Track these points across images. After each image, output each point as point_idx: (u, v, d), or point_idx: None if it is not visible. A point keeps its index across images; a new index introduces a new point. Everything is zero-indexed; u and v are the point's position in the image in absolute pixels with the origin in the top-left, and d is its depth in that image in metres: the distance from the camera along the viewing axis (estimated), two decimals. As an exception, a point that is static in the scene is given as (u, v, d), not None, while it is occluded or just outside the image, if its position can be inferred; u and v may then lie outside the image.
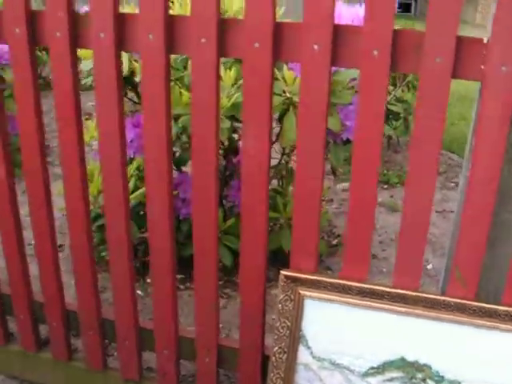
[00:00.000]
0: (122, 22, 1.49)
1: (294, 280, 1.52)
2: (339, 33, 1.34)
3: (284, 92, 2.13)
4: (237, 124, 2.30)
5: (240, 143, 2.57)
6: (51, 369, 2.06)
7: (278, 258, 2.47)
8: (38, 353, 2.07)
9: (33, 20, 1.57)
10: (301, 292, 1.52)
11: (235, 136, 2.53)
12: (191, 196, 1.59)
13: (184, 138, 2.23)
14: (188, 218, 2.49)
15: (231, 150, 2.55)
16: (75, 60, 1.57)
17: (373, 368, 1.54)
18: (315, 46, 1.34)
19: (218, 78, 1.45)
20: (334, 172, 3.48)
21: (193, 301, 1.74)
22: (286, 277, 1.53)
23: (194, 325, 1.77)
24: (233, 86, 2.15)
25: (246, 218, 1.56)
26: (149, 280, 2.62)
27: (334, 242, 3.12)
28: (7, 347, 2.11)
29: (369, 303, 1.49)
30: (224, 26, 1.41)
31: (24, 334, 2.04)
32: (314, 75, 1.36)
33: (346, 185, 3.80)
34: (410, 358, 1.50)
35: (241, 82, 2.17)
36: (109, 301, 2.31)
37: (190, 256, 1.67)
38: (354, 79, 2.31)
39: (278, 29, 1.37)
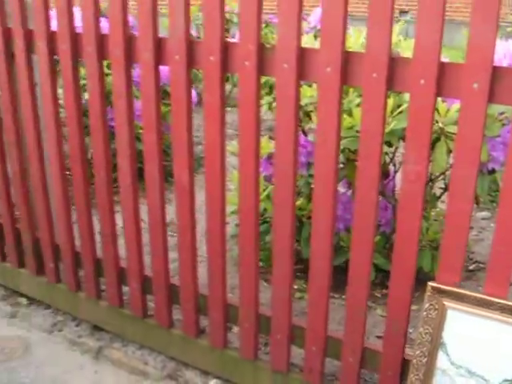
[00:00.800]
0: (302, 55, 1.75)
1: (440, 291, 1.71)
2: (497, 73, 1.53)
3: (437, 121, 2.32)
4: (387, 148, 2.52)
5: (390, 167, 2.78)
6: (207, 354, 2.35)
7: (417, 277, 2.64)
8: (196, 339, 2.37)
9: (226, 50, 1.87)
10: (445, 303, 1.71)
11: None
12: (354, 213, 1.81)
13: (341, 158, 2.47)
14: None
15: (382, 173, 2.76)
16: (259, 86, 1.85)
17: (506, 380, 1.70)
18: (475, 85, 1.53)
19: (386, 107, 1.68)
20: (476, 201, 3.60)
21: (338, 308, 1.96)
22: (433, 288, 1.72)
23: (336, 329, 1.99)
24: (391, 113, 2.37)
25: (401, 240, 1.77)
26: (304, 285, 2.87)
27: (471, 268, 3.24)
28: (170, 331, 2.42)
29: (509, 319, 1.65)
30: (393, 63, 1.63)
31: (187, 321, 2.34)
32: (473, 111, 1.56)
33: (486, 214, 3.91)
34: (545, 374, 1.64)
35: (398, 110, 2.39)
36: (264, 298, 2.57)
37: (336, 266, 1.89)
38: (502, 113, 2.47)
39: (442, 67, 1.58)
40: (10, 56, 2.44)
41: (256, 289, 2.11)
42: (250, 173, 1.93)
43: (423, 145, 1.64)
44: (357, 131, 2.39)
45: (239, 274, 2.11)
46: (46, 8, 2.24)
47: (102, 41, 2.13)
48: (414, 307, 2.06)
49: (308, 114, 2.66)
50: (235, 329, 2.43)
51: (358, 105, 2.42)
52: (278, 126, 1.83)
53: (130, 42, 2.06)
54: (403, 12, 12.15)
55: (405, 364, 1.91)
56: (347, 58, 1.69)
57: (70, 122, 2.31)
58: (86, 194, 2.41)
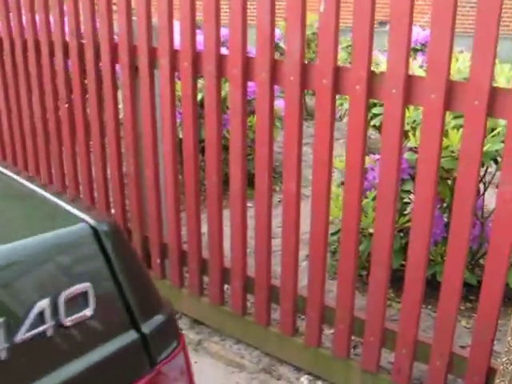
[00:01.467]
0: (410, 82, 1.94)
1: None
2: None
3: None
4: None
5: (480, 185, 2.93)
6: (301, 352, 2.57)
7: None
8: (292, 337, 2.58)
9: (338, 73, 2.08)
10: (533, 315, 1.87)
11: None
12: (451, 228, 1.99)
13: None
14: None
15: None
16: (367, 108, 2.05)
17: None
18: None
19: (485, 132, 1.85)
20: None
21: (423, 317, 2.13)
22: (522, 300, 1.89)
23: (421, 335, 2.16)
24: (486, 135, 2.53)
25: (492, 257, 1.94)
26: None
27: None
28: (267, 329, 2.64)
29: None
30: (494, 92, 1.81)
31: (284, 320, 2.56)
32: None
33: None
34: None
35: (492, 133, 2.56)
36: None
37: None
38: None
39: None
40: (133, 70, 2.72)
41: (353, 293, 2.31)
42: (355, 187, 2.13)
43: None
44: (452, 151, 2.56)
45: (338, 279, 2.31)
46: (171, 29, 2.50)
47: (221, 61, 2.37)
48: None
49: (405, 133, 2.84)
50: (326, 330, 2.63)
51: (453, 127, 2.58)
52: (384, 144, 2.02)
53: (247, 62, 2.29)
54: (382, 23, 11.92)
55: (490, 372, 2.07)
56: (451, 86, 1.87)
57: (186, 131, 2.57)
58: (196, 196, 2.66)
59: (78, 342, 0.80)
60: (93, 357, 0.80)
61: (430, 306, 2.97)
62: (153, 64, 2.64)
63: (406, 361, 2.25)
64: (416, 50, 4.71)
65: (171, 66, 2.54)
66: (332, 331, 2.59)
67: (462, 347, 2.64)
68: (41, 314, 0.75)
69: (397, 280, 2.70)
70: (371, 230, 2.86)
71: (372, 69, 2.02)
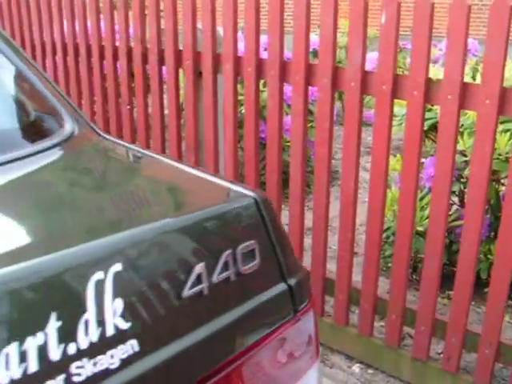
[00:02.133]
0: (465, 88, 2.12)
1: None
2: None
3: None
4: None
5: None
6: (354, 341, 2.75)
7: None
8: (345, 327, 2.77)
9: (396, 80, 2.26)
10: None
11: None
12: (500, 227, 2.17)
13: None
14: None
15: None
16: (424, 114, 2.24)
17: None
18: None
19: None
20: None
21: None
22: None
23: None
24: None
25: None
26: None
27: None
28: (321, 319, 2.83)
29: None
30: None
31: (338, 310, 2.75)
32: None
33: None
34: None
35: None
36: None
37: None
38: None
39: None
40: (197, 75, 2.93)
41: (405, 286, 2.49)
42: (410, 187, 2.32)
43: None
44: (499, 154, 2.74)
45: (392, 273, 2.50)
46: (235, 37, 2.71)
47: (284, 66, 2.57)
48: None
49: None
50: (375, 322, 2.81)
51: (501, 131, 2.76)
52: (439, 146, 2.21)
53: (309, 69, 2.49)
54: None
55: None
56: (504, 92, 2.05)
57: (247, 132, 2.77)
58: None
59: (249, 287, 1.01)
60: (256, 301, 1.01)
61: (473, 302, 3.14)
62: (216, 69, 2.84)
63: (456, 349, 2.42)
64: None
65: (235, 71, 2.75)
66: (381, 323, 2.78)
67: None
68: (226, 263, 0.96)
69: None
70: (420, 228, 3.04)
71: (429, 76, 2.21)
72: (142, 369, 0.85)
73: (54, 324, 0.77)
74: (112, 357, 0.83)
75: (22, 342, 0.74)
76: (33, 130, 1.29)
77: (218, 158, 3.00)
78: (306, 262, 2.84)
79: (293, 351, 1.09)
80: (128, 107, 3.35)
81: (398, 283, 2.49)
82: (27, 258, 0.81)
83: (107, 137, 1.39)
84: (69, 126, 1.27)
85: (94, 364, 0.81)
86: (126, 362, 0.84)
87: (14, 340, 0.73)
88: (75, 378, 0.78)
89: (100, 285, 0.82)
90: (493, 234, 3.14)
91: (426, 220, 3.01)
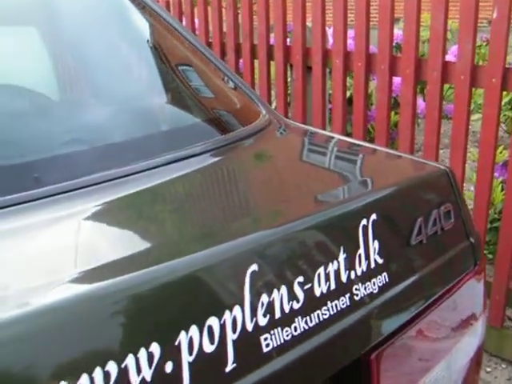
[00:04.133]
0: None
1: None
2: None
3: None
4: None
5: None
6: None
7: None
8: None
9: (507, 73, 2.46)
10: None
11: None
12: None
13: None
14: None
15: None
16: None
17: None
18: None
19: None
20: None
21: None
22: None
23: None
24: None
25: None
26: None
27: None
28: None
29: None
30: None
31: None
32: None
33: None
34: None
35: None
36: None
37: None
38: None
39: None
40: (306, 69, 3.18)
41: (509, 269, 2.68)
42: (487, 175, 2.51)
43: None
44: None
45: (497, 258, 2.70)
46: (345, 33, 2.94)
47: (394, 61, 2.79)
48: None
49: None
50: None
51: None
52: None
53: (419, 63, 2.70)
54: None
55: None
56: None
57: (356, 123, 3.00)
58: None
59: (448, 241, 1.29)
60: (452, 252, 1.29)
61: None
62: (325, 64, 3.08)
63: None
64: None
65: (344, 65, 2.98)
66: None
67: None
68: (435, 219, 1.23)
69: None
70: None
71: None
72: (389, 295, 1.13)
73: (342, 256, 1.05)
74: (374, 284, 1.10)
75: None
76: (237, 118, 1.54)
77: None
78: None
79: (470, 300, 1.36)
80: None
81: (503, 266, 2.68)
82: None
83: (294, 122, 1.67)
84: (265, 114, 1.52)
85: (365, 288, 1.08)
86: (381, 289, 1.12)
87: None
88: (355, 297, 1.06)
89: (364, 230, 1.10)
90: None
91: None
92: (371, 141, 3.31)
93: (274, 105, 3.46)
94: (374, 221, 1.11)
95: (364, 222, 1.10)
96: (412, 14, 2.65)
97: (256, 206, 1.19)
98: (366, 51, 2.88)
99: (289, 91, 3.50)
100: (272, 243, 0.97)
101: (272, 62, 3.37)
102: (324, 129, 3.18)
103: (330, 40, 3.14)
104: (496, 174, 3.32)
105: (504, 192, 2.79)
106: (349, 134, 3.34)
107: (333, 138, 1.65)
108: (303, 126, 1.77)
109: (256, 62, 3.46)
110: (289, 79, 3.44)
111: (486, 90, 2.52)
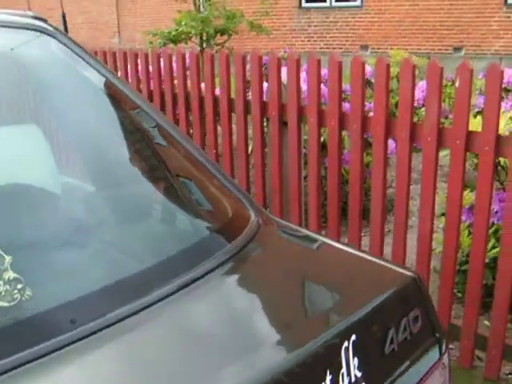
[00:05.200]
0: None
1: None
2: None
3: None
4: None
5: None
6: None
7: None
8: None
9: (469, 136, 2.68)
10: None
11: None
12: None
13: None
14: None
15: None
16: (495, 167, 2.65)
17: None
18: None
19: None
20: None
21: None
22: None
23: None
24: None
25: None
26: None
27: None
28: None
29: None
30: None
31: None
32: None
33: None
34: None
35: None
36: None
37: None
38: None
39: None
40: (282, 123, 3.38)
41: (478, 313, 2.89)
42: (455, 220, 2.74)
43: None
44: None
45: (466, 302, 2.90)
46: (319, 90, 3.15)
47: (366, 121, 3.01)
48: None
49: None
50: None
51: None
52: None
53: (414, 126, 2.89)
54: (457, 48, 12.31)
55: None
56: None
57: (331, 173, 3.21)
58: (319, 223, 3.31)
59: (417, 341, 1.47)
60: (420, 350, 1.48)
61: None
62: (300, 120, 3.29)
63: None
64: (508, 91, 5.21)
65: (318, 122, 3.19)
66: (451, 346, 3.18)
67: None
68: (405, 326, 1.41)
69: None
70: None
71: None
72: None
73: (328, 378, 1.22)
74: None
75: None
76: (224, 233, 1.62)
77: (301, 198, 3.44)
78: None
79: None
80: (214, 151, 3.81)
81: (472, 312, 2.89)
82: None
83: (280, 221, 1.83)
84: (254, 218, 1.63)
85: None
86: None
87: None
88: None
89: (346, 351, 1.28)
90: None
91: (490, 251, 3.42)
92: (346, 182, 3.48)
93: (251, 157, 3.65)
94: (353, 341, 1.29)
95: (345, 344, 1.28)
96: (382, 84, 2.88)
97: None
98: (338, 110, 3.09)
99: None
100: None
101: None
102: (299, 182, 3.38)
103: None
104: (463, 218, 3.54)
105: (471, 236, 3.00)
106: (324, 177, 3.54)
107: (313, 242, 1.77)
108: (287, 225, 1.88)
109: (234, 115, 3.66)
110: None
111: (452, 151, 2.74)
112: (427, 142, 2.80)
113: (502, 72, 2.57)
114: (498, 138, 2.60)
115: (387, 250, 3.20)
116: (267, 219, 1.74)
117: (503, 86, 5.30)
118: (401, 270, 1.61)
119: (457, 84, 2.66)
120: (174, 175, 1.81)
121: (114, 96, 1.82)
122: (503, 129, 3.08)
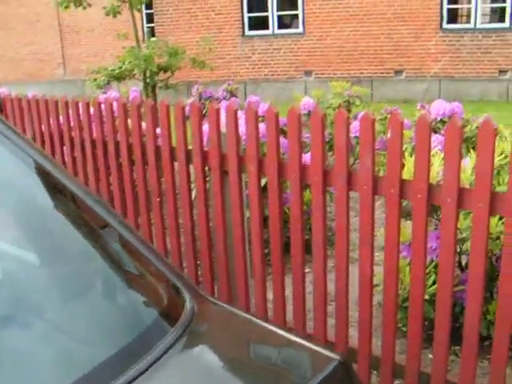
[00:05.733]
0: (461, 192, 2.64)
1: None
2: None
3: None
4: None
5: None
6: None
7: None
8: (367, 391, 3.25)
9: (402, 184, 2.78)
10: None
11: None
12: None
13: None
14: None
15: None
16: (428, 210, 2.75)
17: None
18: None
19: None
20: None
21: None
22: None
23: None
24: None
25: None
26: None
27: None
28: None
29: None
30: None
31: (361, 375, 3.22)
32: None
33: None
34: None
35: None
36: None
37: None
38: None
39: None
40: (222, 173, 3.44)
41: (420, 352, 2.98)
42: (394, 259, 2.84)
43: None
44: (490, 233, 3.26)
45: (408, 340, 2.99)
46: (257, 139, 3.22)
47: (304, 171, 3.09)
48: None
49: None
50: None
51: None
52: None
53: (350, 175, 2.98)
54: (398, 72, 12.68)
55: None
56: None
57: (272, 223, 3.28)
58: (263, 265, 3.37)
59: None
60: None
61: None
62: (241, 169, 3.35)
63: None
64: (444, 122, 5.37)
65: (258, 172, 3.26)
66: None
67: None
68: None
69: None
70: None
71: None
72: None
73: None
74: None
75: None
76: (168, 313, 1.65)
77: (245, 243, 3.50)
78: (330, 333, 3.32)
79: None
80: (158, 199, 3.85)
81: (414, 349, 2.98)
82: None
83: (216, 302, 1.85)
84: (190, 302, 1.64)
85: None
86: None
87: None
88: None
89: None
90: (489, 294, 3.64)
91: (430, 288, 3.52)
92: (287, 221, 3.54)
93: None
94: None
95: None
96: (318, 135, 2.97)
97: None
98: (277, 159, 3.16)
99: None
100: None
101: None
102: (243, 226, 3.44)
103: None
104: (404, 254, 3.64)
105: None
106: (266, 218, 3.60)
107: (249, 326, 1.79)
108: (223, 309, 1.89)
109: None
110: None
111: (387, 198, 2.84)
112: (363, 189, 2.89)
113: (430, 123, 2.67)
114: (430, 186, 2.71)
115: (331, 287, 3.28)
116: (202, 302, 1.75)
117: (439, 118, 5.52)
118: (325, 353, 1.62)
119: (388, 135, 2.76)
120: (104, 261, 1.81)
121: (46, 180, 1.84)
122: (437, 170, 3.18)
